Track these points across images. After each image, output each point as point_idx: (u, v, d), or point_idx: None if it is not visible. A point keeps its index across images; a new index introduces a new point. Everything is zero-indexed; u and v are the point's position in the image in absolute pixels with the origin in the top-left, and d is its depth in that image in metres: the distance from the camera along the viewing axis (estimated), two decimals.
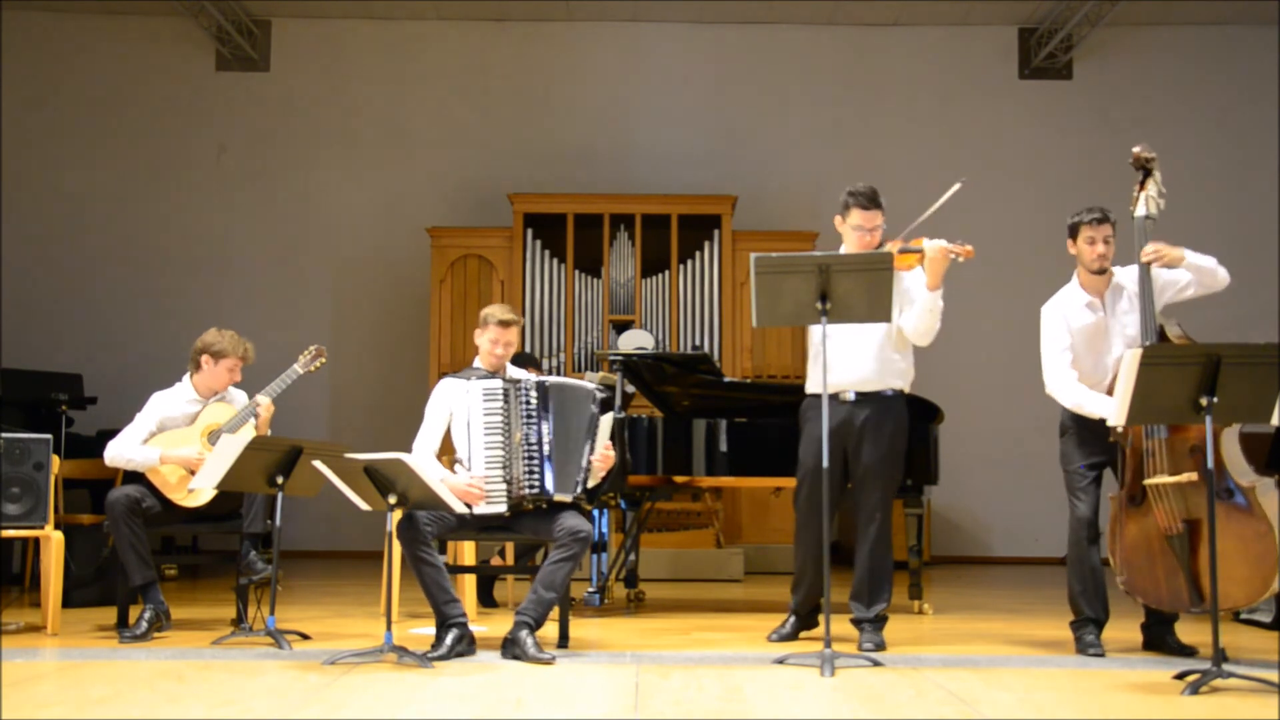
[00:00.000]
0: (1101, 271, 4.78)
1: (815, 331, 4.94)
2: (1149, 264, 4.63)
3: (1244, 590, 4.37)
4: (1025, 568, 9.52)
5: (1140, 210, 4.68)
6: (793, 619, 5.05)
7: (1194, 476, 4.36)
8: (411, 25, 10.46)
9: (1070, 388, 4.71)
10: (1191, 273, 4.66)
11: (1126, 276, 4.81)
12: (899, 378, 4.90)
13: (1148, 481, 4.47)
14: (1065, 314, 4.80)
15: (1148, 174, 4.71)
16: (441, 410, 4.79)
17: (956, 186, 4.73)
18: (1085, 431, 4.72)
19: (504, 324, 4.80)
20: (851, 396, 4.84)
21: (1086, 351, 4.76)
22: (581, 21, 10.44)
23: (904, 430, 4.93)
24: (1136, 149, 4.70)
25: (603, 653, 4.68)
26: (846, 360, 4.80)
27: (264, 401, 5.28)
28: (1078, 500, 4.76)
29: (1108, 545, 4.60)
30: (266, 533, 5.11)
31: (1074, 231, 4.82)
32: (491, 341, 4.82)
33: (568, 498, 4.65)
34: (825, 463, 4.41)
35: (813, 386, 4.95)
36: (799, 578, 5.04)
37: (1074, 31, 10.05)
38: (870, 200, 4.86)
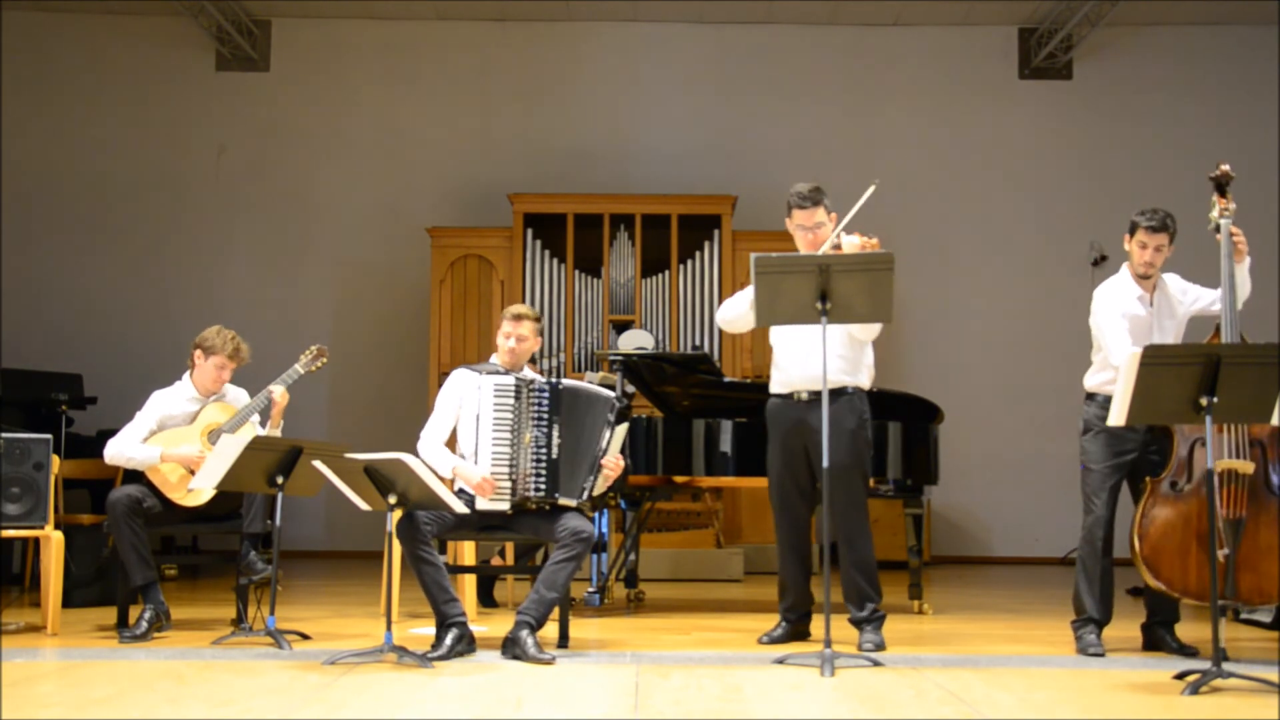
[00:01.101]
0: (1146, 277, 4.79)
1: (773, 334, 5.02)
2: (1233, 243, 4.63)
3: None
4: (1025, 568, 9.52)
5: (1226, 221, 4.68)
6: (783, 624, 5.03)
7: (1250, 467, 4.40)
8: (411, 25, 10.46)
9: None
10: (1235, 282, 4.66)
11: (1173, 283, 4.84)
12: (853, 375, 4.89)
13: (1220, 463, 4.43)
14: (1119, 298, 4.80)
15: (1225, 188, 4.73)
16: (452, 401, 4.80)
17: (871, 189, 4.74)
18: (1110, 430, 4.69)
19: (515, 318, 4.84)
20: (805, 396, 4.85)
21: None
22: (581, 21, 10.45)
23: (864, 427, 4.91)
24: (1225, 166, 4.70)
25: (603, 653, 4.68)
26: (799, 360, 4.81)
27: (279, 390, 5.27)
28: (1095, 500, 4.75)
29: (1134, 531, 4.56)
30: (266, 533, 5.11)
31: (1132, 229, 4.80)
32: (504, 335, 4.85)
33: (572, 502, 4.65)
34: (826, 462, 4.40)
35: (773, 388, 5.01)
36: (783, 584, 5.05)
37: (1074, 31, 10.05)
38: (805, 199, 4.88)
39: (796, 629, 5.02)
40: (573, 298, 9.48)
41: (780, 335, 4.98)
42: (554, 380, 4.71)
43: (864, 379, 4.94)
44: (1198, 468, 4.52)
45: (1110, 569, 4.75)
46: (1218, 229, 4.68)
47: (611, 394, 4.84)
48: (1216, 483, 4.41)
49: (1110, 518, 4.74)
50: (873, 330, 4.86)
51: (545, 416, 4.64)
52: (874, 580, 4.88)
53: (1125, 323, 4.74)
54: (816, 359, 4.72)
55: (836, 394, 4.81)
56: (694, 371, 6.27)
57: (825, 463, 4.40)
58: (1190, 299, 4.82)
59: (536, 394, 4.66)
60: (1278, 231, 9.90)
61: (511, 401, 4.64)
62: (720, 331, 9.39)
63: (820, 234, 4.86)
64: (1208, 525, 4.38)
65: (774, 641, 4.95)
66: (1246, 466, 4.42)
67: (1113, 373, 4.64)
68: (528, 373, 4.85)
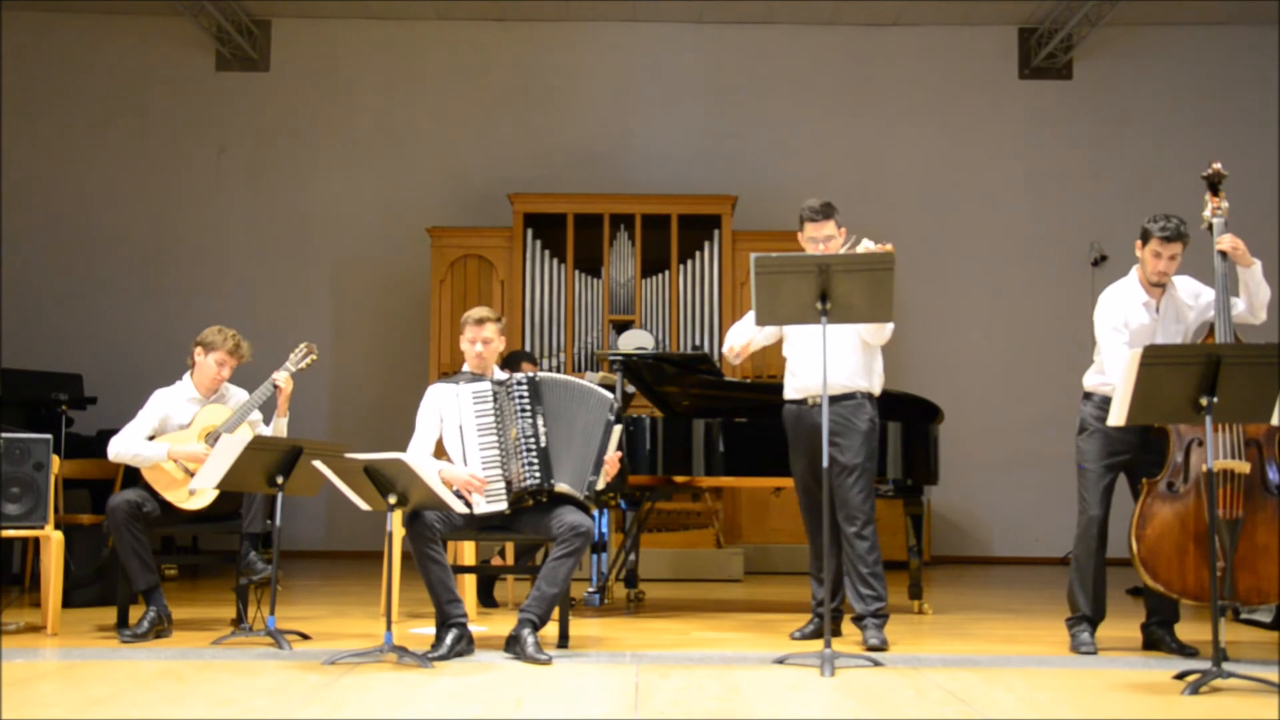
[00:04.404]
0: (1158, 285, 4.77)
1: (785, 342, 5.10)
2: (1224, 253, 4.62)
3: (1277, 587, 4.40)
4: (1025, 568, 9.52)
5: (1219, 220, 4.69)
6: (815, 620, 5.11)
7: (1246, 467, 4.39)
8: (411, 25, 10.46)
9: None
10: (1249, 288, 4.66)
11: (1184, 286, 4.81)
12: (863, 380, 4.97)
13: (1217, 464, 4.40)
14: (1123, 304, 4.79)
15: (1218, 187, 4.72)
16: (432, 416, 4.81)
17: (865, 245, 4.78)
18: (1106, 430, 4.70)
19: (478, 322, 4.82)
20: (818, 401, 4.86)
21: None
22: (581, 21, 10.44)
23: (873, 431, 4.97)
24: (1217, 164, 4.71)
25: (603, 653, 4.68)
26: (810, 366, 4.86)
27: (282, 376, 5.29)
28: (1090, 499, 4.77)
29: (1132, 532, 4.56)
30: (266, 533, 5.11)
31: (1145, 237, 4.75)
32: (470, 341, 4.85)
33: (576, 493, 4.64)
34: (825, 462, 4.45)
35: (787, 394, 5.11)
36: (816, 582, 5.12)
37: (1074, 31, 10.04)
38: (816, 212, 4.96)
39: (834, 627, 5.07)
40: (573, 298, 9.48)
41: (793, 342, 5.06)
42: (529, 374, 4.76)
43: (875, 384, 5.01)
44: (1194, 468, 4.53)
45: (1103, 567, 4.76)
46: (1210, 228, 4.67)
47: (610, 395, 4.85)
48: (1220, 481, 4.42)
49: (1104, 517, 4.75)
50: (883, 334, 4.91)
51: (528, 408, 4.67)
52: (880, 580, 4.91)
53: (1125, 333, 4.73)
54: (829, 363, 4.78)
55: (847, 397, 4.91)
56: (694, 371, 6.27)
57: (825, 463, 4.43)
58: (1203, 303, 4.77)
59: (515, 389, 4.69)
60: (1278, 231, 9.91)
61: (491, 405, 4.68)
62: (720, 331, 9.38)
63: (830, 247, 4.92)
64: (1205, 526, 4.40)
65: (805, 637, 5.05)
66: (1243, 467, 4.42)
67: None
68: (499, 373, 4.85)
